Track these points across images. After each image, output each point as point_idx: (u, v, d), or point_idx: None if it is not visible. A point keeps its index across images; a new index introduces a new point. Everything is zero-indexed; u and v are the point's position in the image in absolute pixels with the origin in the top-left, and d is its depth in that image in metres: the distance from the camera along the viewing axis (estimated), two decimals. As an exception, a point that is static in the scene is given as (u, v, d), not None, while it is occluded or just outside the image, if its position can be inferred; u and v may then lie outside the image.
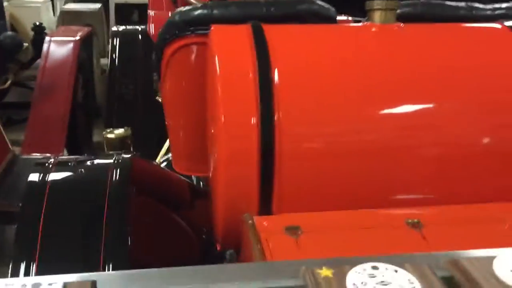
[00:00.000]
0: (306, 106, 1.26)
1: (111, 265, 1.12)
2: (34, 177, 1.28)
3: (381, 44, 1.34)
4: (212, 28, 1.33)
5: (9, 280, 0.75)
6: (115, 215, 1.18)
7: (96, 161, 1.46)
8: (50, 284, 0.75)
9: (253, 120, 1.24)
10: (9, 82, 3.45)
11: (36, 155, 3.06)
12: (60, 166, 1.36)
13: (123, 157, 1.40)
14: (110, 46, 3.34)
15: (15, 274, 1.11)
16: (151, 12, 5.07)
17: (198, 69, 1.54)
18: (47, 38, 3.55)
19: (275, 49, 1.26)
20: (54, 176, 1.29)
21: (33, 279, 0.76)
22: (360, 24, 1.42)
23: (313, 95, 1.26)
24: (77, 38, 3.59)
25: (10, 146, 2.99)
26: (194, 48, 1.50)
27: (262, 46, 1.26)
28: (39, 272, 1.10)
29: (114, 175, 1.30)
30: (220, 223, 1.33)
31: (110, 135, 2.26)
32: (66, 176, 1.34)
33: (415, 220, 1.27)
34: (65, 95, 3.27)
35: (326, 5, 1.52)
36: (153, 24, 4.71)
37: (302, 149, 1.26)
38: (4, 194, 2.68)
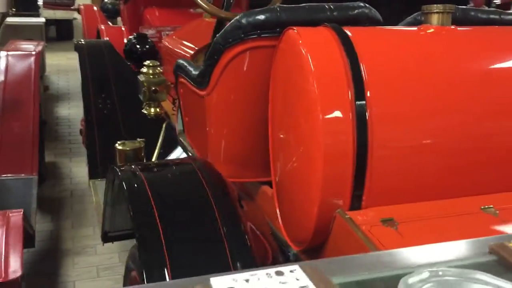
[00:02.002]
0: (395, 101, 1.32)
1: (238, 265, 1.11)
2: (130, 184, 1.22)
3: (451, 43, 1.43)
4: (294, 30, 1.35)
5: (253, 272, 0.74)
6: (229, 217, 1.16)
7: (179, 166, 1.42)
8: (291, 271, 0.74)
9: (350, 116, 1.27)
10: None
11: (9, 176, 2.86)
12: (149, 172, 1.31)
13: (202, 161, 1.37)
14: (78, 60, 3.19)
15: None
16: (101, 26, 4.92)
17: (261, 72, 1.55)
18: (2, 53, 3.32)
19: (360, 48, 1.32)
20: (151, 182, 1.23)
21: (275, 268, 0.75)
22: (417, 26, 1.51)
23: (400, 91, 1.32)
24: (37, 51, 3.40)
25: (-21, 168, 2.77)
26: (260, 51, 1.51)
27: (349, 46, 1.31)
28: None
29: (207, 178, 1.27)
30: (311, 222, 1.34)
31: (123, 147, 2.17)
32: (163, 181, 1.29)
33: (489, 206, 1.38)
34: (33, 111, 3.08)
35: (374, 9, 1.60)
36: (107, 37, 4.59)
37: (392, 144, 1.32)
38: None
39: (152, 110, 2.67)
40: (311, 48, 1.30)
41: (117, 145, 2.21)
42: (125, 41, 4.64)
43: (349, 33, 1.35)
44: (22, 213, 1.16)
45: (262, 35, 1.48)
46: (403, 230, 1.27)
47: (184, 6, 4.79)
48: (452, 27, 1.48)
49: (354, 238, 1.26)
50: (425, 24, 1.49)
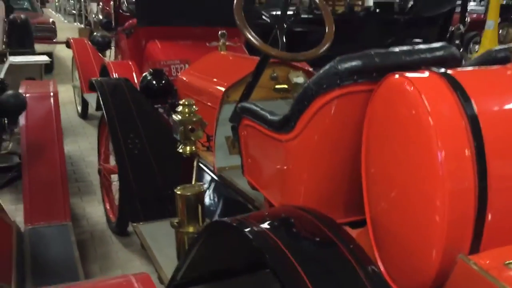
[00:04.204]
0: (507, 139, 1.33)
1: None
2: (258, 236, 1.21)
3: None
4: (396, 75, 1.37)
5: None
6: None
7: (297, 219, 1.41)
8: None
9: (469, 153, 1.28)
10: (10, 146, 3.06)
11: (43, 224, 2.77)
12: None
13: (318, 213, 1.37)
14: (101, 99, 3.12)
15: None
16: (107, 61, 4.88)
17: (351, 117, 1.55)
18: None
19: (469, 89, 1.33)
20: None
21: None
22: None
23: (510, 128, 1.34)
24: (55, 91, 3.34)
25: (11, 219, 2.66)
26: (353, 96, 1.51)
27: (458, 86, 1.32)
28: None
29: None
30: (432, 269, 1.32)
31: (183, 192, 2.13)
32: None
33: None
34: (58, 153, 3.00)
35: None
36: (116, 73, 4.54)
37: (507, 179, 1.33)
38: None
39: (188, 149, 2.63)
40: (426, 92, 1.31)
41: (177, 190, 2.17)
42: (134, 75, 4.63)
43: (453, 74, 1.37)
44: (148, 276, 1.11)
45: (359, 81, 1.49)
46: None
47: (185, 39, 4.79)
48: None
49: (484, 284, 1.25)
50: None
